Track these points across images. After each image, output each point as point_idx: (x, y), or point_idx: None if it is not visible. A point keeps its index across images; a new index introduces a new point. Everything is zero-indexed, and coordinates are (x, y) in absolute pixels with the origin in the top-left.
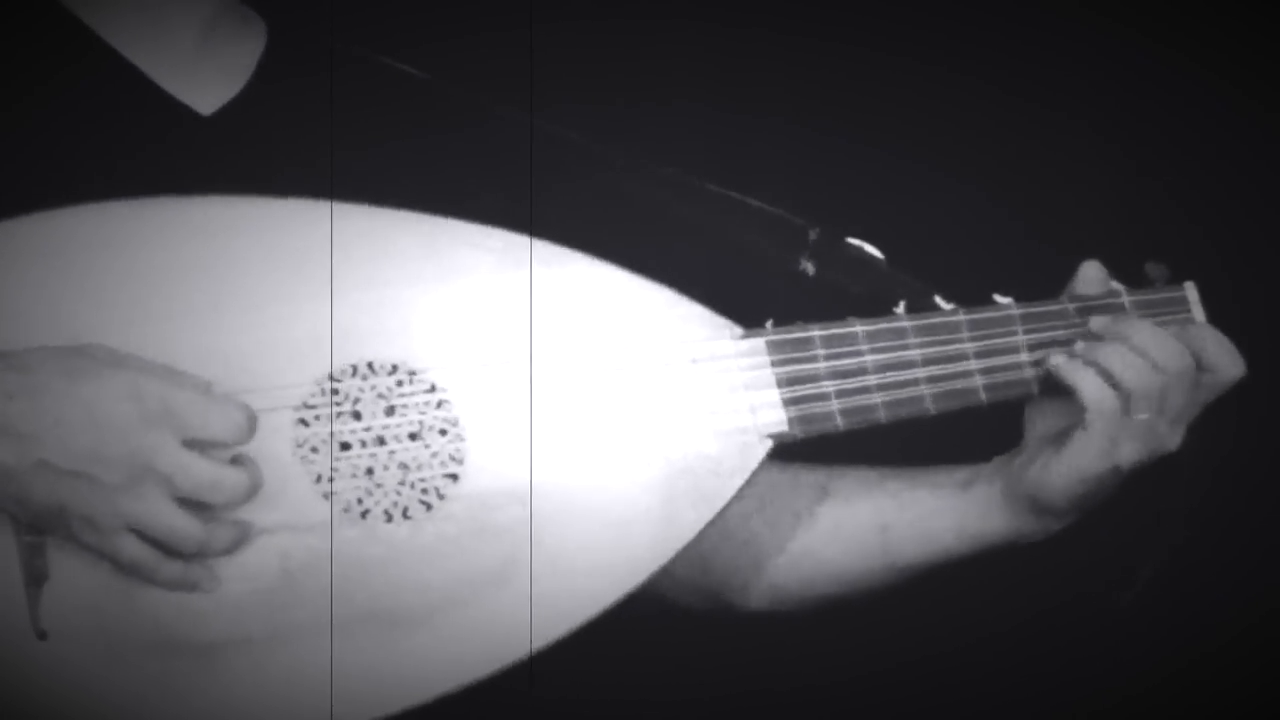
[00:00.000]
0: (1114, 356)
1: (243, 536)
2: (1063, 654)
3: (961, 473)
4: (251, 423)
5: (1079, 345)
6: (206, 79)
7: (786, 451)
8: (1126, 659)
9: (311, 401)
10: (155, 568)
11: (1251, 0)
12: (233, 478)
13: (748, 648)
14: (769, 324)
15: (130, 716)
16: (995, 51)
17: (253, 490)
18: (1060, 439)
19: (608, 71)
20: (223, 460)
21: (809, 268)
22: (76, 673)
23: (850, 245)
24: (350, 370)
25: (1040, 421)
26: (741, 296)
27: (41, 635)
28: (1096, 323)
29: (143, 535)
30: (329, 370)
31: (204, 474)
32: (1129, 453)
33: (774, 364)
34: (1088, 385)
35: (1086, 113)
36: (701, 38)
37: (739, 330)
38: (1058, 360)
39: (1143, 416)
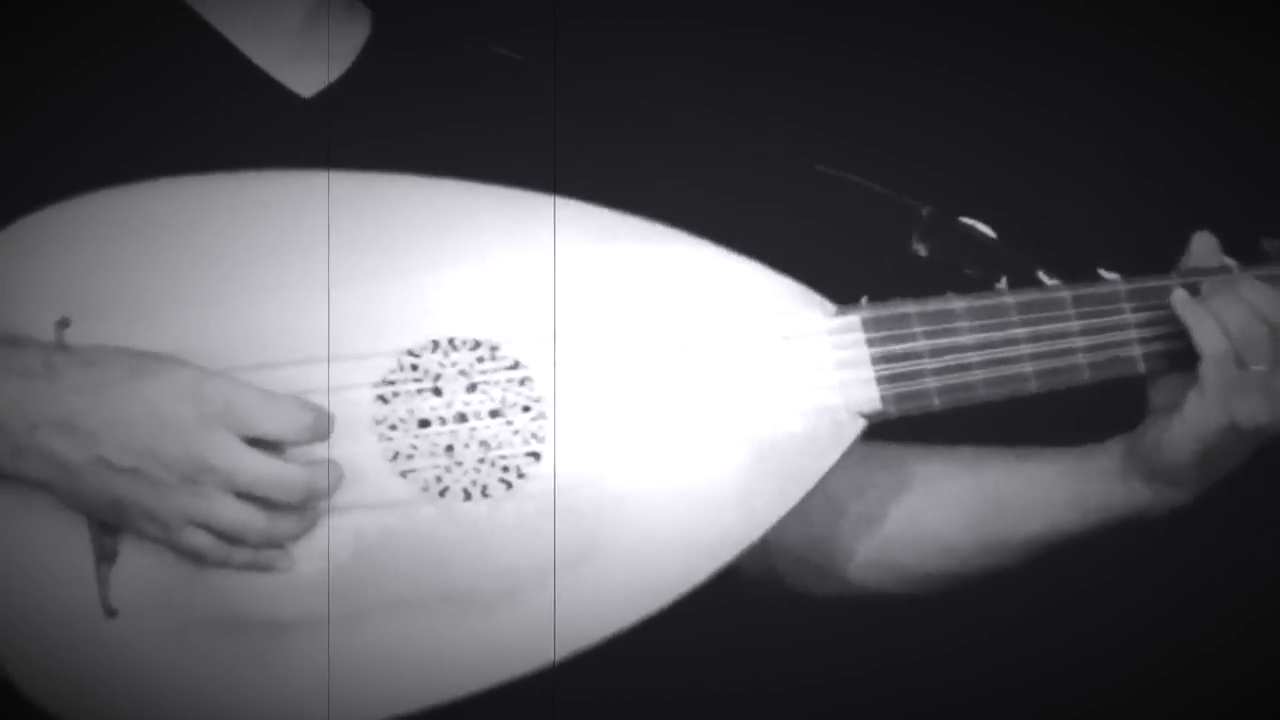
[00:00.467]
0: (1225, 306)
1: (309, 526)
2: (1064, 654)
3: (1080, 448)
4: (318, 423)
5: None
6: (308, 63)
7: (877, 432)
8: (1126, 657)
9: (391, 377)
10: (225, 556)
11: None
12: (292, 475)
13: (823, 637)
14: (864, 300)
15: (198, 695)
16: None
17: (312, 489)
18: (1180, 405)
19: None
20: (290, 459)
21: (921, 249)
22: (145, 651)
23: (962, 224)
24: (432, 346)
25: (1162, 395)
26: (838, 274)
27: (110, 613)
28: (1208, 286)
29: (211, 533)
30: (410, 346)
31: (262, 471)
32: (1246, 409)
33: (869, 341)
34: (1204, 326)
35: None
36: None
37: (832, 307)
38: (1179, 295)
39: (1259, 368)
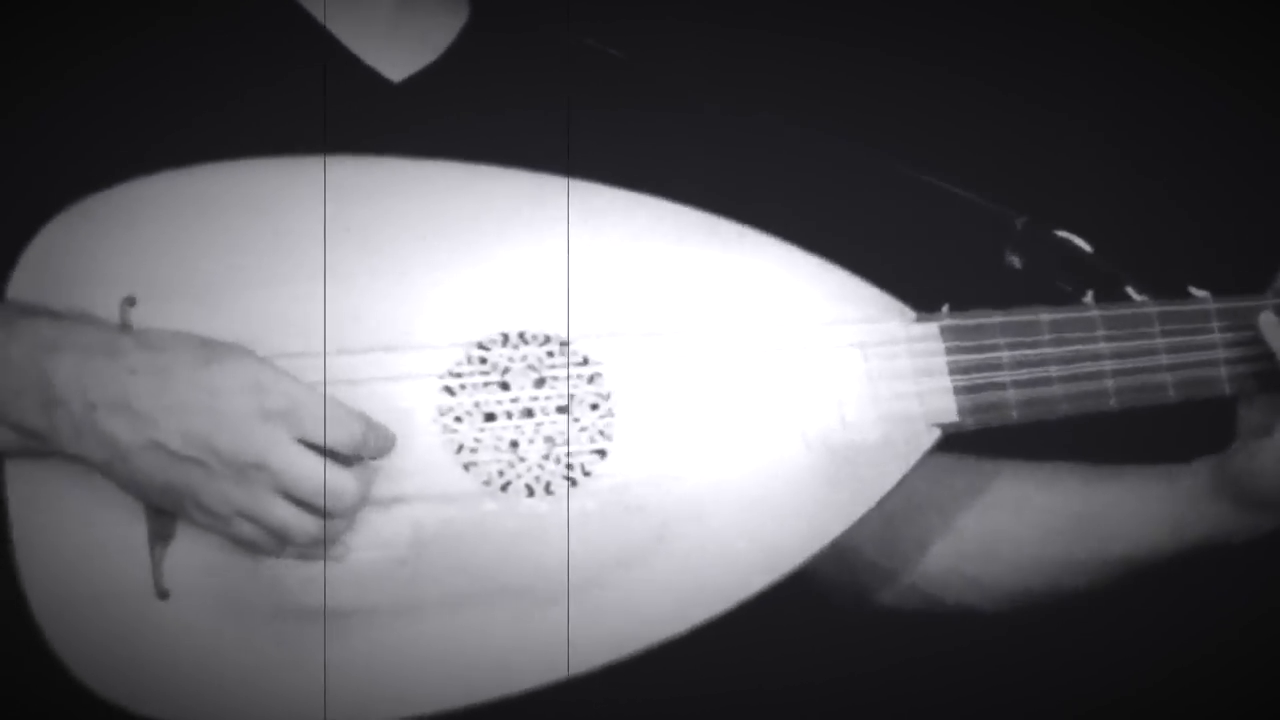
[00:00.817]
0: None
1: (350, 525)
2: (1065, 654)
3: (1164, 467)
4: (367, 437)
5: None
6: (400, 47)
7: (955, 443)
8: (1126, 658)
9: (459, 369)
10: (274, 549)
11: None
12: (345, 485)
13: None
14: (945, 309)
15: (248, 680)
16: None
17: (363, 499)
18: (1271, 428)
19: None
20: (338, 464)
21: (1015, 260)
22: (196, 634)
23: (1057, 236)
24: (501, 339)
25: (1254, 416)
26: (921, 281)
27: (163, 594)
28: None
29: (260, 528)
30: (479, 338)
31: (315, 479)
32: None
33: (948, 351)
34: None
35: None
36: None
37: (912, 314)
38: (1267, 317)
39: None
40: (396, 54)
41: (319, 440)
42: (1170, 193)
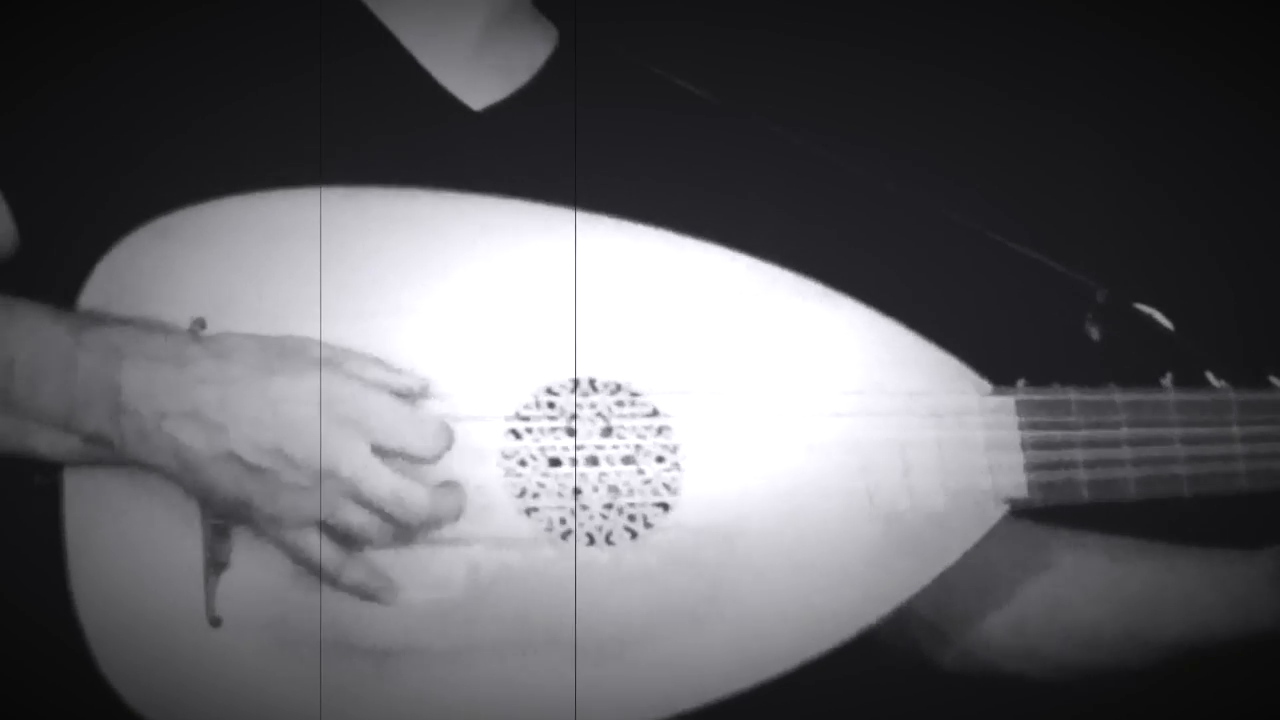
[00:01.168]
0: None
1: (417, 537)
2: None
3: (1233, 552)
4: (447, 441)
5: None
6: (483, 75)
7: (1022, 511)
8: None
9: (525, 412)
10: (338, 568)
11: None
12: (418, 496)
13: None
14: (1020, 383)
15: (297, 712)
16: None
17: (434, 515)
18: None
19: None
20: (412, 476)
21: (1094, 332)
22: (247, 664)
23: (1139, 311)
24: (571, 385)
25: None
26: (994, 351)
27: (215, 622)
28: None
29: (329, 534)
30: (548, 383)
31: (387, 485)
32: None
33: (1022, 425)
34: None
35: None
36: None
37: (988, 386)
38: None
39: None
40: (478, 82)
41: (391, 446)
42: (1255, 275)
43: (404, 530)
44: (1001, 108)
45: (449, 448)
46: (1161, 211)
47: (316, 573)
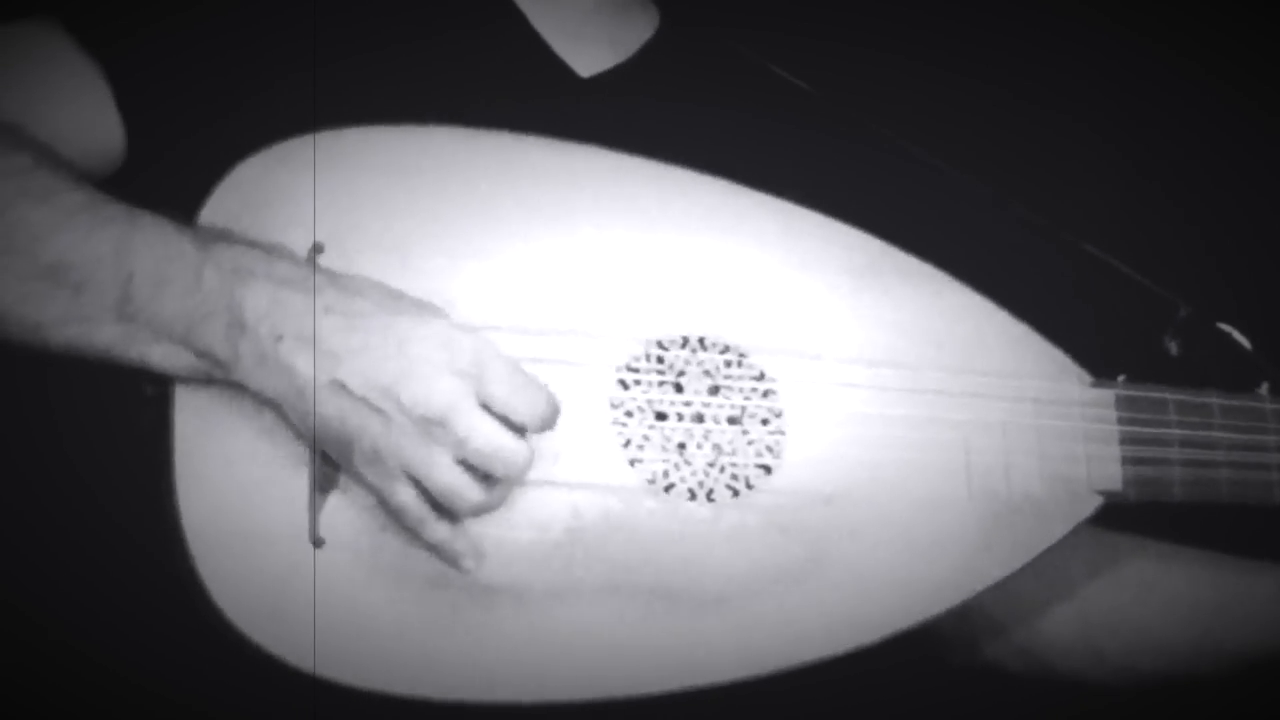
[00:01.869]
0: None
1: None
2: None
3: None
4: (554, 415)
5: None
6: (591, 45)
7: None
8: None
9: (634, 364)
10: (422, 521)
11: None
12: (520, 453)
13: None
14: (1121, 379)
15: (397, 642)
16: None
17: (525, 471)
18: None
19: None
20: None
21: (1172, 347)
22: (349, 588)
23: (1219, 330)
24: (681, 341)
25: None
26: (1098, 350)
27: (318, 542)
28: None
29: (418, 486)
30: (659, 337)
31: (493, 441)
32: None
33: (1120, 420)
34: None
35: None
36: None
37: (1089, 378)
38: None
39: None
40: (587, 51)
41: (502, 406)
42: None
43: (497, 489)
44: (1004, 108)
45: (554, 425)
46: (1166, 216)
47: (400, 520)
